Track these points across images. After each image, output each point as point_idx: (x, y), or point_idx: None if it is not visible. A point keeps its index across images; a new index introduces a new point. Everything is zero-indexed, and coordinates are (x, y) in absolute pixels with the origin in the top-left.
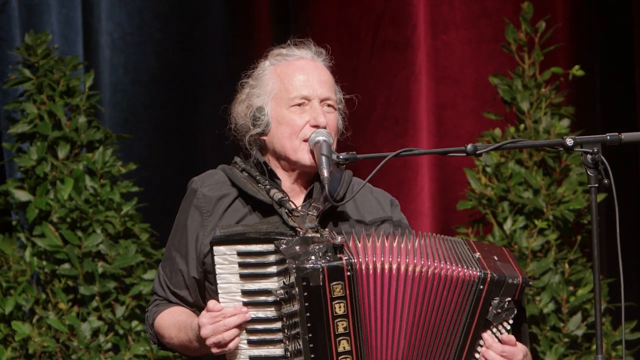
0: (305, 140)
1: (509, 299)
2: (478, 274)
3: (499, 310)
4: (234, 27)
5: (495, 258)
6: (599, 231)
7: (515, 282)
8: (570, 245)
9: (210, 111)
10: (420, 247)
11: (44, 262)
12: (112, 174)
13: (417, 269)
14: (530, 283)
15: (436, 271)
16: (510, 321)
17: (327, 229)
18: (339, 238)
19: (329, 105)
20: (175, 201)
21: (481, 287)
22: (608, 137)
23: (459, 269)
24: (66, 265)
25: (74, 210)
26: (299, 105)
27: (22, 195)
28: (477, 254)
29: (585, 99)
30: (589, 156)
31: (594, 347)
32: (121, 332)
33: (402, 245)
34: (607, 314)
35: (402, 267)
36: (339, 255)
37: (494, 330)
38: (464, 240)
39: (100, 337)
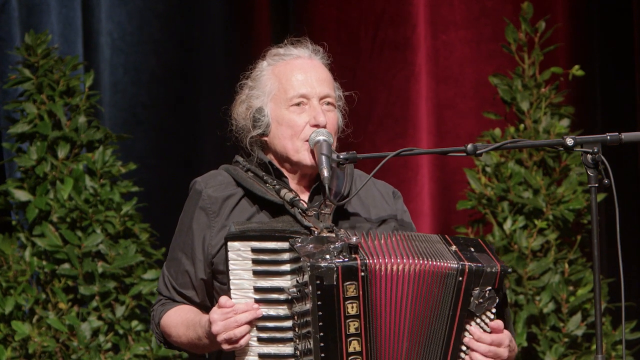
0: (307, 141)
1: (490, 288)
2: (455, 266)
3: (481, 300)
4: (234, 27)
5: (472, 249)
6: (599, 231)
7: (493, 270)
8: (570, 245)
9: (210, 111)
10: (399, 246)
11: (44, 262)
12: (112, 174)
13: (412, 268)
14: (510, 270)
15: (423, 268)
16: (494, 310)
17: (342, 229)
18: (354, 238)
19: (328, 104)
20: (175, 201)
21: (460, 278)
22: (608, 137)
23: (438, 263)
24: (66, 265)
25: (73, 210)
26: (298, 105)
27: (22, 195)
28: (453, 247)
29: (585, 99)
30: (589, 156)
31: (594, 347)
32: (121, 332)
33: (389, 244)
34: (607, 314)
35: (401, 267)
36: (353, 256)
37: (478, 320)
38: (439, 236)
39: (100, 337)
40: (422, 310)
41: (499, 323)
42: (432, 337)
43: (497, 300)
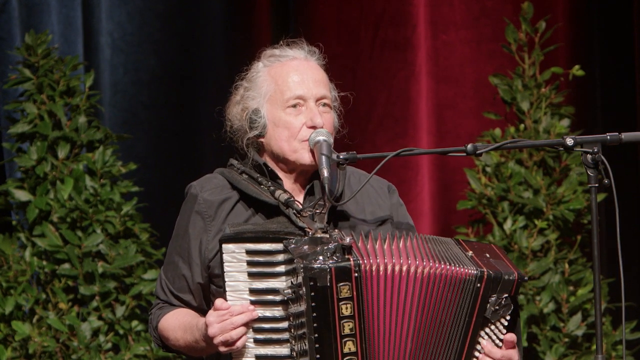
0: (304, 141)
1: (506, 295)
2: (475, 272)
3: (497, 307)
4: (234, 27)
5: (487, 255)
6: (599, 231)
7: (511, 278)
8: (570, 245)
9: (210, 111)
10: (414, 248)
11: (44, 262)
12: (112, 174)
13: (420, 270)
14: (526, 278)
15: (435, 271)
16: (508, 317)
17: (336, 230)
18: (348, 239)
19: (324, 105)
20: (175, 201)
21: (478, 285)
22: (608, 137)
23: (456, 268)
24: (66, 265)
25: (74, 210)
26: (294, 106)
27: (22, 195)
28: (470, 253)
29: (585, 99)
30: (589, 156)
31: (594, 347)
32: (121, 332)
33: (401, 246)
34: (607, 314)
35: (404, 268)
36: (347, 256)
37: (492, 327)
38: (454, 239)
39: (100, 337)
40: (433, 313)
41: (512, 337)
42: (444, 341)
43: (512, 307)
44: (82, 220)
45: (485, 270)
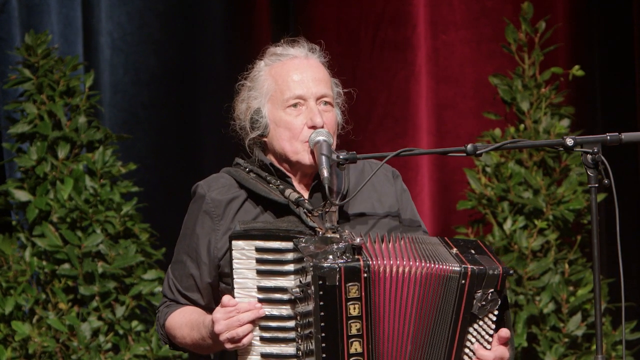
0: (306, 142)
1: (492, 290)
2: (458, 269)
3: (483, 303)
4: (234, 27)
5: (473, 252)
6: (599, 231)
7: (495, 272)
8: (570, 245)
9: (210, 111)
10: (407, 249)
11: (44, 262)
12: (112, 174)
13: (417, 271)
14: (511, 272)
15: (426, 271)
16: (496, 312)
17: (346, 230)
18: (358, 239)
19: (326, 103)
20: (175, 201)
21: (463, 281)
22: (608, 137)
23: (441, 266)
24: (66, 265)
25: (74, 210)
26: (295, 106)
27: (22, 195)
28: (454, 250)
29: (585, 99)
30: (589, 156)
31: (594, 347)
32: (121, 332)
33: (403, 246)
34: (607, 314)
35: (407, 269)
36: (356, 257)
37: (481, 323)
38: (439, 238)
39: (100, 337)
40: (425, 313)
41: (507, 332)
42: (435, 340)
43: (499, 302)
44: (82, 220)
45: (469, 266)
